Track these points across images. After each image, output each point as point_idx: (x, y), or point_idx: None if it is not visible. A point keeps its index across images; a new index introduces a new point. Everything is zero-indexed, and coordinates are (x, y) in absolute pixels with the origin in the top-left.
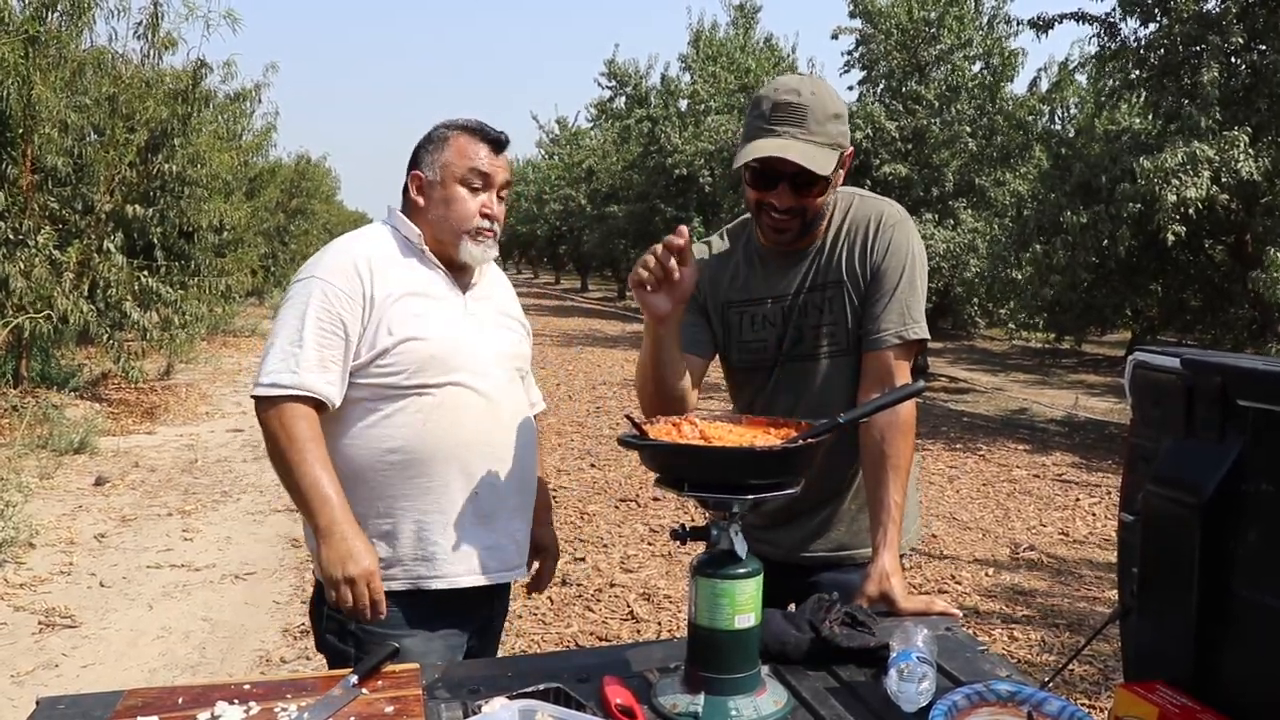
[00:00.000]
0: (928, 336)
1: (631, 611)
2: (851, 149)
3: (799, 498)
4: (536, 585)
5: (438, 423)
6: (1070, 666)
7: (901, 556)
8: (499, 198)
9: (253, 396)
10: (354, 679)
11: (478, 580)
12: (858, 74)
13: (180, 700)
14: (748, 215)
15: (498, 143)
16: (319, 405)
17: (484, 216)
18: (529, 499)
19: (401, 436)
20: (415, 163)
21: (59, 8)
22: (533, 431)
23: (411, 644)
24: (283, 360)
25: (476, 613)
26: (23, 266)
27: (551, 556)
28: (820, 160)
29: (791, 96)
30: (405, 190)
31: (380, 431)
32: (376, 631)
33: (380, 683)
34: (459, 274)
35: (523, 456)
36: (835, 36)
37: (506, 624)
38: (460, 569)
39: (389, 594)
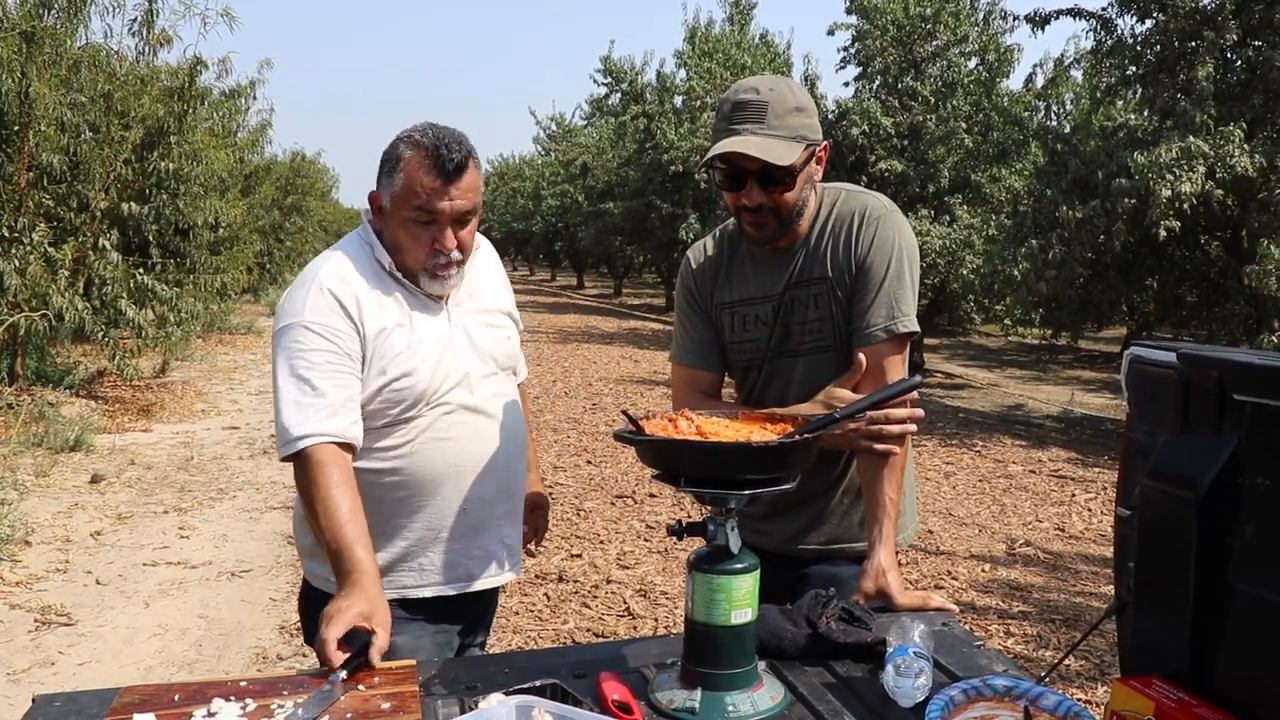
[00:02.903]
0: (917, 330)
1: (628, 608)
2: (826, 142)
3: (791, 490)
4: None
5: (428, 448)
6: (1066, 661)
7: (897, 552)
8: (460, 223)
9: (281, 460)
10: (343, 674)
11: (464, 588)
12: (853, 70)
13: (176, 697)
14: None
15: (450, 172)
16: (347, 447)
17: (437, 253)
18: (518, 503)
19: (394, 464)
20: (378, 177)
21: (55, 4)
22: (522, 437)
23: (400, 641)
24: (300, 413)
25: (466, 613)
26: (18, 264)
27: (544, 508)
28: (779, 152)
29: (750, 95)
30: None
31: (374, 459)
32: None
33: (377, 679)
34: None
35: (511, 464)
36: (831, 32)
37: (504, 620)
38: (446, 578)
39: None
